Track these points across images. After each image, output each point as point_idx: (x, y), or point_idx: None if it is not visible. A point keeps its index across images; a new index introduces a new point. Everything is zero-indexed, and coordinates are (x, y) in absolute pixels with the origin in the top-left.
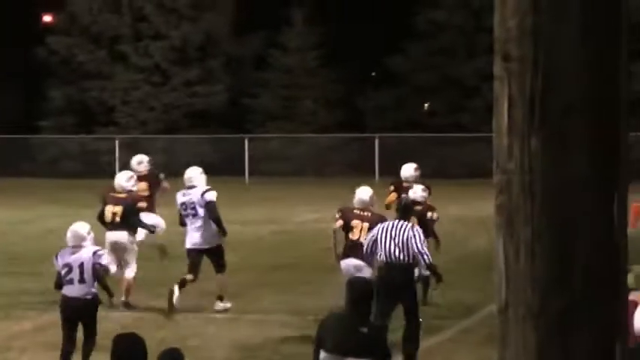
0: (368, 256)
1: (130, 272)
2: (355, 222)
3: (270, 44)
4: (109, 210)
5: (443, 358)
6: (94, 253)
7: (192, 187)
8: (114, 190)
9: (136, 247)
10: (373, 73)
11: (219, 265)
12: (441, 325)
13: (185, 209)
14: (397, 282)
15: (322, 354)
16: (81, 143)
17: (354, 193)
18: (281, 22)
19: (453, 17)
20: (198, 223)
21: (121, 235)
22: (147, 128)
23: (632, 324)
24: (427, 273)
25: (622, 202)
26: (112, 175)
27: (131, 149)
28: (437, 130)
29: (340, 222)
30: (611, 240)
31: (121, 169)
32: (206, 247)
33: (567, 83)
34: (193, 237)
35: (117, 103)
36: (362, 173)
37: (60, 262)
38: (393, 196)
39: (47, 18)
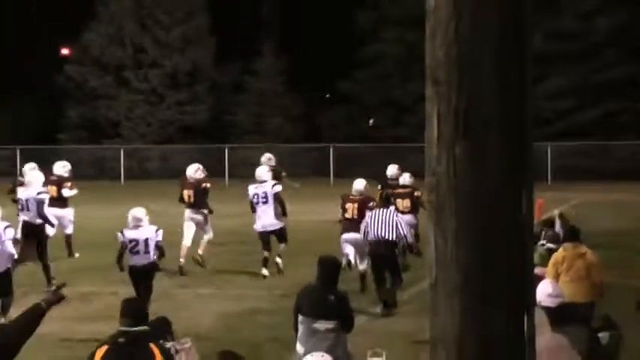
0: (364, 237)
1: (207, 235)
2: (348, 205)
3: (245, 72)
4: (186, 193)
5: (384, 326)
6: (156, 231)
7: (262, 181)
8: (187, 179)
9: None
10: (328, 95)
11: (283, 239)
12: (377, 300)
13: (257, 198)
14: (383, 254)
15: (300, 317)
16: (92, 152)
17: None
18: (254, 53)
19: (391, 49)
20: (267, 208)
21: (195, 212)
22: (146, 140)
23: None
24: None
25: (529, 198)
26: (118, 178)
27: (133, 157)
28: (380, 141)
29: (341, 211)
30: (520, 229)
31: (125, 174)
32: (271, 229)
33: (485, 102)
34: (263, 220)
35: (121, 119)
36: (320, 176)
37: (126, 237)
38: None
39: (65, 51)
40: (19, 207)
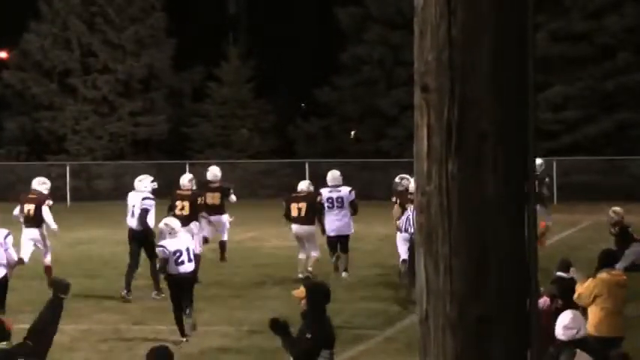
0: (402, 230)
1: (315, 253)
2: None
3: (207, 78)
4: (295, 206)
5: None
6: (192, 237)
7: (336, 186)
8: (295, 192)
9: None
10: (303, 105)
11: (346, 248)
12: (365, 334)
13: (332, 202)
14: None
15: (327, 353)
16: (34, 169)
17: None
18: (218, 57)
19: (374, 52)
20: (342, 213)
21: (305, 228)
22: (95, 155)
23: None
24: None
25: (532, 219)
26: (64, 200)
27: (81, 175)
28: (361, 156)
29: (397, 207)
30: (522, 254)
31: (72, 194)
32: (342, 234)
33: (480, 112)
34: (336, 224)
35: (67, 132)
36: None
37: (169, 249)
38: (398, 208)
39: (1, 54)
40: (130, 212)
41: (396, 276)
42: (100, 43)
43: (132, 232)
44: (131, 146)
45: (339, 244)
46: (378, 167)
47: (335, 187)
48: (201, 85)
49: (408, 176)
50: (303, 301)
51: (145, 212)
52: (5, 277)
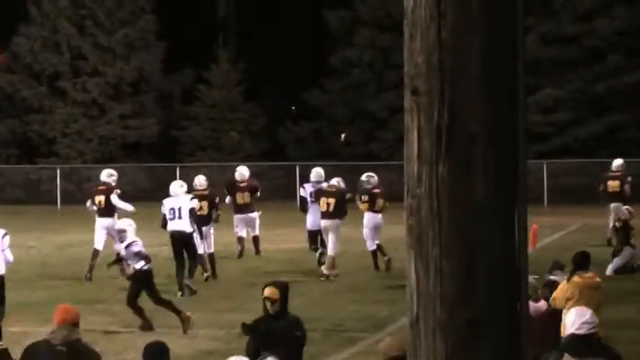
0: None
1: (332, 252)
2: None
3: (197, 80)
4: (324, 201)
5: None
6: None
7: (318, 182)
8: (327, 186)
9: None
10: (293, 108)
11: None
12: (356, 337)
13: (314, 197)
14: None
15: None
16: (24, 172)
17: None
18: (207, 60)
19: (364, 55)
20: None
21: (332, 222)
22: (85, 158)
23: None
24: None
25: (522, 221)
26: (53, 202)
27: (71, 178)
28: (352, 159)
29: (366, 204)
30: (512, 257)
31: (62, 197)
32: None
33: (470, 114)
34: (317, 218)
35: (57, 136)
36: (285, 198)
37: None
38: (366, 205)
39: None
40: (170, 216)
41: (386, 277)
42: (90, 46)
43: (178, 234)
44: (121, 149)
45: (320, 237)
46: (368, 170)
47: (317, 182)
48: (191, 87)
49: (373, 174)
50: (276, 303)
51: (194, 210)
52: (1, 278)
